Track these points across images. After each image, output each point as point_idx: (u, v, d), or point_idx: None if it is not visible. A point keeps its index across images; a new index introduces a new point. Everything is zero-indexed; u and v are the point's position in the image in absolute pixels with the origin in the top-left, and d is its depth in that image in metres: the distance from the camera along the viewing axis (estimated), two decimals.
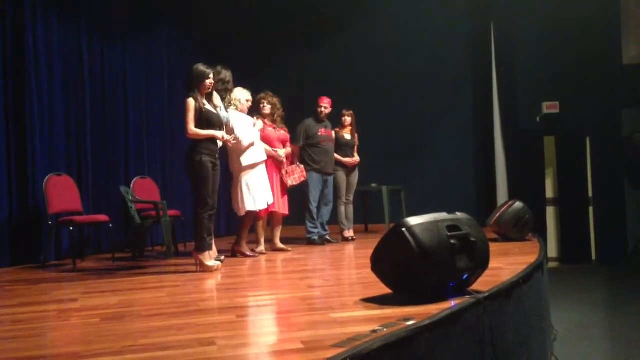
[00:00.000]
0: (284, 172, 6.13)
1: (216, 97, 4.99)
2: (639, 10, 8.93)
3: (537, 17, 9.11)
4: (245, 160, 5.47)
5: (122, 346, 2.37)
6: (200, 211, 4.64)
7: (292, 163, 6.35)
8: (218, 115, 4.80)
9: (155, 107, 7.83)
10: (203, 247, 4.65)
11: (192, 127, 4.59)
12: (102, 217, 5.98)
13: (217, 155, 4.78)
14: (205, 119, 4.65)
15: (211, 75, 4.76)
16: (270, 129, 6.10)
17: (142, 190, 6.77)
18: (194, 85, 4.68)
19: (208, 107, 4.72)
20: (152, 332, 2.61)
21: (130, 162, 7.28)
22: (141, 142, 7.53)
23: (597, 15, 8.98)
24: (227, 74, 5.37)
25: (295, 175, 6.21)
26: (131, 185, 6.68)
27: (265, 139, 5.98)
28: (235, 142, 4.98)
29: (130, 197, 6.17)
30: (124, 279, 4.59)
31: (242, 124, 5.50)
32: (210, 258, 4.73)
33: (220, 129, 4.79)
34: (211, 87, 4.78)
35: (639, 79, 8.86)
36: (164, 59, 8.07)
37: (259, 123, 5.80)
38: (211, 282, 4.27)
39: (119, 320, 2.94)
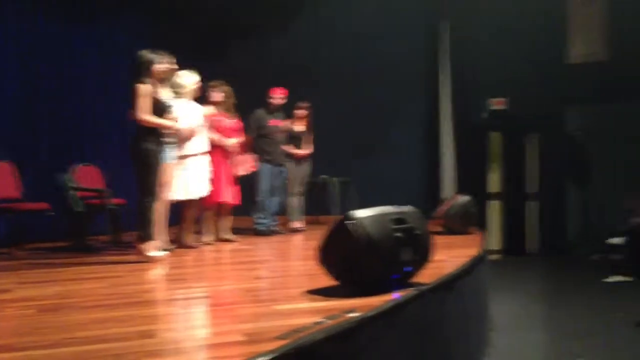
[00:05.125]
0: (234, 161, 6.07)
1: (163, 84, 4.89)
2: (584, 11, 9.22)
3: (488, 15, 9.27)
4: (182, 151, 5.35)
5: (59, 338, 2.31)
6: (146, 200, 4.55)
7: (243, 153, 6.29)
8: (164, 104, 4.72)
9: (101, 93, 7.59)
10: (147, 237, 4.55)
11: (143, 113, 4.48)
12: (43, 205, 5.79)
13: (162, 144, 4.69)
14: (156, 107, 4.56)
15: (160, 61, 4.66)
16: (221, 117, 6.01)
17: (86, 178, 6.57)
18: (144, 71, 4.57)
19: (159, 94, 4.64)
20: (91, 324, 2.56)
21: (74, 149, 7.05)
22: (86, 128, 7.30)
23: (545, 14, 9.21)
24: (170, 61, 5.18)
25: (246, 165, 6.16)
26: (74, 172, 6.47)
27: (216, 128, 5.89)
28: (180, 127, 4.89)
29: (72, 185, 5.99)
30: (63, 268, 4.46)
31: (186, 112, 5.39)
32: (154, 248, 4.64)
33: (165, 117, 4.69)
34: (162, 74, 4.69)
35: (583, 79, 9.16)
36: (114, 43, 7.83)
37: (209, 109, 5.68)
38: (154, 273, 4.20)
39: (56, 312, 2.87)
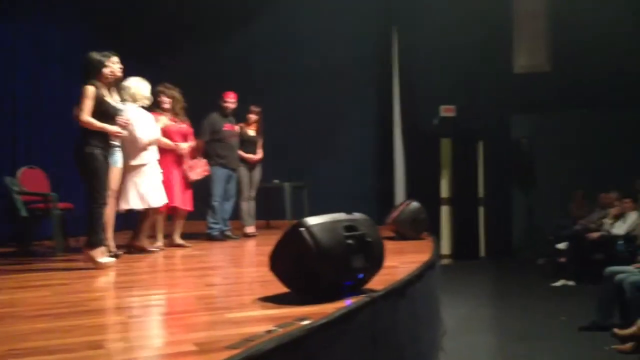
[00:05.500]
0: (186, 166, 5.99)
1: (113, 89, 4.79)
2: (529, 25, 9.54)
3: (438, 23, 9.46)
4: (138, 159, 5.27)
5: (2, 350, 2.23)
6: (94, 205, 4.44)
7: (194, 157, 6.22)
8: (115, 108, 4.63)
9: (47, 93, 7.37)
10: (95, 243, 4.45)
11: (86, 115, 4.39)
12: None
13: (110, 148, 4.61)
14: (103, 111, 4.47)
15: (109, 64, 4.57)
16: (170, 122, 5.92)
17: (30, 181, 6.37)
18: (92, 74, 4.48)
19: (107, 98, 4.55)
20: (36, 335, 2.48)
21: (17, 151, 6.83)
22: (30, 130, 7.07)
23: (493, 25, 9.49)
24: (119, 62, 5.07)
25: (198, 169, 6.09)
26: (17, 176, 6.27)
27: (165, 133, 5.81)
28: (125, 133, 4.78)
29: (17, 188, 5.80)
30: (6, 276, 4.30)
31: (143, 121, 5.31)
32: (102, 254, 4.53)
33: (114, 122, 4.60)
34: (111, 77, 4.60)
35: (527, 87, 9.47)
36: (60, 41, 7.62)
37: (163, 119, 5.62)
38: (103, 280, 4.10)
39: None
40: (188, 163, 6.01)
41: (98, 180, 4.44)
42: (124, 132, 4.76)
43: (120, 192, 5.23)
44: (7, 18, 6.76)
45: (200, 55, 9.60)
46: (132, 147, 5.22)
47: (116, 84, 4.93)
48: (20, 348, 2.26)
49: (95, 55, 4.54)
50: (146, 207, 5.31)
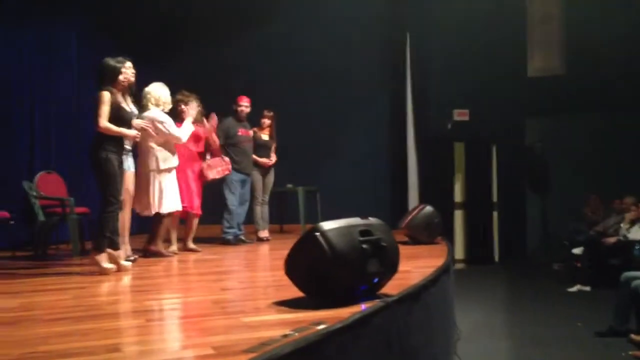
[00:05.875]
0: (205, 164, 6.02)
1: (126, 94, 4.85)
2: (542, 28, 9.51)
3: (451, 28, 9.46)
4: (168, 162, 5.34)
5: (21, 353, 2.25)
6: (108, 209, 4.47)
7: (216, 156, 6.23)
8: (130, 113, 4.68)
9: (63, 98, 7.47)
10: (101, 247, 4.46)
11: (104, 121, 4.43)
12: (2, 214, 5.65)
13: (124, 153, 4.66)
14: (119, 116, 4.51)
15: (124, 70, 4.62)
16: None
17: (48, 186, 6.44)
18: (108, 80, 4.53)
19: (123, 104, 4.60)
20: (54, 338, 2.50)
21: (35, 156, 6.93)
22: (47, 135, 7.16)
23: (506, 29, 9.46)
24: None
25: (219, 168, 6.11)
26: (35, 180, 6.35)
27: None
28: (138, 137, 4.83)
29: (34, 193, 5.87)
30: (25, 279, 4.36)
31: (172, 123, 5.40)
32: (119, 258, 4.56)
33: (130, 127, 4.65)
34: (126, 83, 4.65)
35: (541, 91, 9.44)
36: (72, 46, 7.70)
37: (193, 113, 5.71)
38: (120, 284, 4.14)
39: (18, 325, 2.79)
40: (207, 162, 6.04)
41: (113, 184, 4.47)
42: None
43: (152, 195, 5.27)
44: (19, 23, 6.83)
45: (210, 58, 9.61)
46: (166, 148, 5.29)
47: (129, 89, 4.98)
48: (39, 351, 2.28)
49: (111, 62, 4.59)
50: (170, 210, 5.36)
